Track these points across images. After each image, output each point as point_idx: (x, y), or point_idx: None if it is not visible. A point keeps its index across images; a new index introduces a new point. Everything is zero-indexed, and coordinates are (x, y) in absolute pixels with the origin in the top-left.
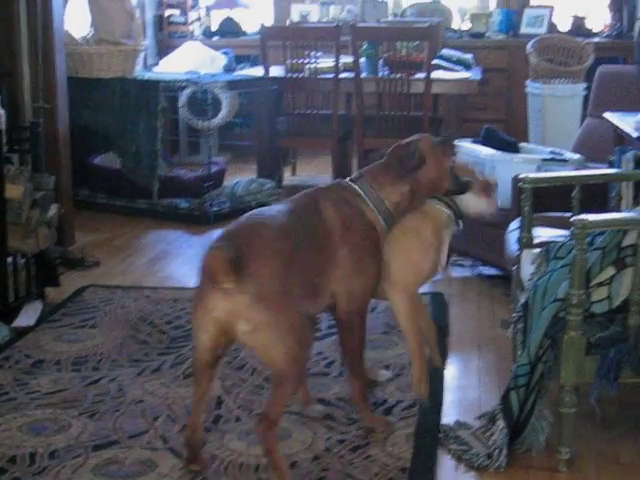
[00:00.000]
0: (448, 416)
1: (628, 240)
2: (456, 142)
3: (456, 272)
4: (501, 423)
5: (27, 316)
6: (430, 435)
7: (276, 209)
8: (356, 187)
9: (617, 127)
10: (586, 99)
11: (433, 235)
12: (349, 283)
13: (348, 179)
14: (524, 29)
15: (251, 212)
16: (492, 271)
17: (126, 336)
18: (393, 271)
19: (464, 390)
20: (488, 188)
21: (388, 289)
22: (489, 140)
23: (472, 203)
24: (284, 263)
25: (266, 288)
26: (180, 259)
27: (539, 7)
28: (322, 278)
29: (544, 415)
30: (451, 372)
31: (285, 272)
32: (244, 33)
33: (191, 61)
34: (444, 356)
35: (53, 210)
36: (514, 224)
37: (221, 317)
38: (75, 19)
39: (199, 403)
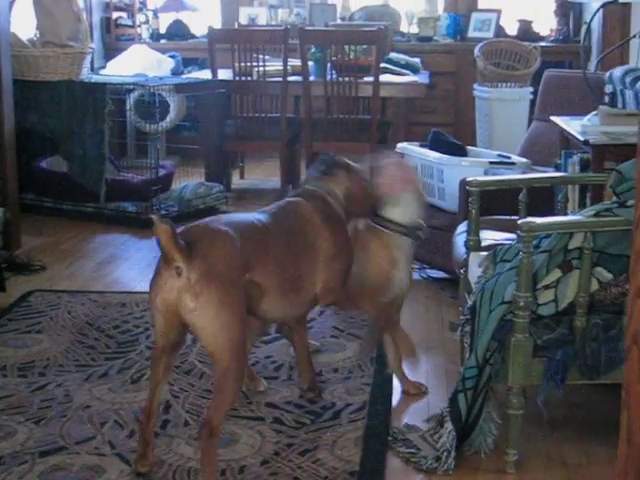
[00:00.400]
0: (397, 419)
1: (574, 243)
2: (399, 147)
3: None
4: (449, 426)
5: None
6: (379, 438)
7: (250, 214)
8: (313, 186)
9: (564, 130)
10: (533, 103)
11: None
12: (330, 269)
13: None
14: (472, 33)
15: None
16: (440, 274)
17: (73, 341)
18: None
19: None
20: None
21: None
22: (437, 144)
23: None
24: (241, 254)
25: (216, 269)
26: (128, 263)
27: (487, 11)
28: (304, 270)
29: (492, 417)
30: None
31: (238, 263)
32: (192, 36)
33: (138, 64)
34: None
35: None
36: (461, 227)
37: (171, 295)
38: (21, 21)
39: (155, 392)
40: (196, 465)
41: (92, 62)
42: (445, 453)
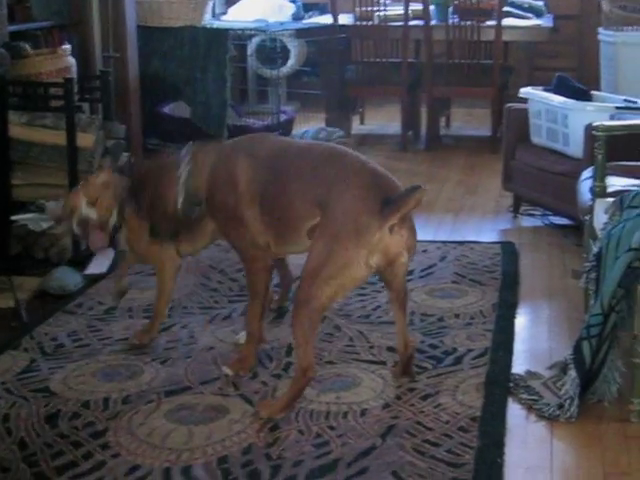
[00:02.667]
0: (518, 366)
1: None
2: (522, 92)
3: (526, 222)
4: (573, 373)
5: (99, 264)
6: (500, 384)
7: None
8: None
9: None
10: None
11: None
12: None
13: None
14: None
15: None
16: (563, 221)
17: (197, 284)
18: None
19: (535, 340)
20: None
21: None
22: (561, 88)
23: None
24: None
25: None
26: None
27: None
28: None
29: (616, 365)
30: (521, 322)
31: None
32: None
33: (259, 9)
34: (515, 305)
35: (124, 158)
36: (586, 173)
37: (390, 252)
38: None
39: None
40: (318, 407)
41: (213, 8)
42: (568, 401)
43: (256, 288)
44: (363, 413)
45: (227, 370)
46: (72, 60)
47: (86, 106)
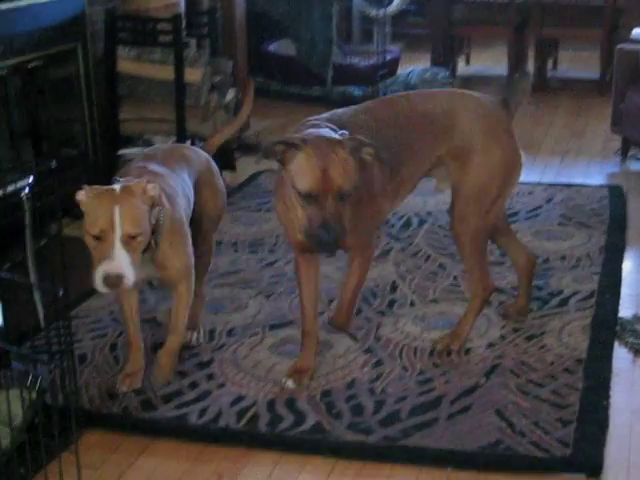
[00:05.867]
0: (625, 309)
1: None
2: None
3: (635, 165)
4: None
5: None
6: (607, 327)
7: None
8: None
9: None
10: None
11: None
12: None
13: None
14: None
15: None
16: None
17: None
18: None
19: None
20: None
21: None
22: None
23: None
24: None
25: None
26: None
27: None
28: None
29: None
30: (629, 265)
31: None
32: None
33: None
34: (623, 249)
35: (230, 94)
36: None
37: None
38: None
39: None
40: (422, 344)
41: None
42: None
43: (364, 276)
44: (467, 352)
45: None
46: None
47: (193, 42)
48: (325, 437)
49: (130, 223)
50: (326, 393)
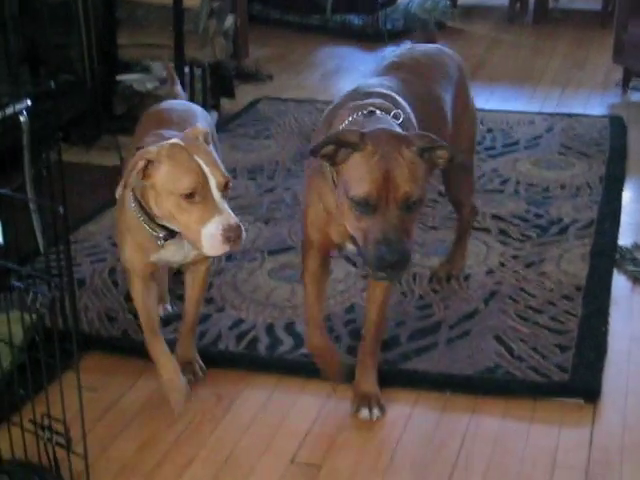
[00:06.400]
0: (625, 238)
1: None
2: None
3: (636, 96)
4: None
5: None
6: (606, 255)
7: None
8: None
9: None
10: None
11: None
12: None
13: None
14: None
15: None
16: None
17: (301, 147)
18: None
19: None
20: None
21: None
22: None
23: None
24: None
25: None
26: (353, 75)
27: None
28: None
29: None
30: (629, 195)
31: None
32: None
33: None
34: (622, 178)
35: (229, 21)
36: None
37: None
38: None
39: None
40: (422, 271)
41: None
42: None
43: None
44: (466, 278)
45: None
46: None
47: None
48: None
49: (218, 168)
50: (325, 317)
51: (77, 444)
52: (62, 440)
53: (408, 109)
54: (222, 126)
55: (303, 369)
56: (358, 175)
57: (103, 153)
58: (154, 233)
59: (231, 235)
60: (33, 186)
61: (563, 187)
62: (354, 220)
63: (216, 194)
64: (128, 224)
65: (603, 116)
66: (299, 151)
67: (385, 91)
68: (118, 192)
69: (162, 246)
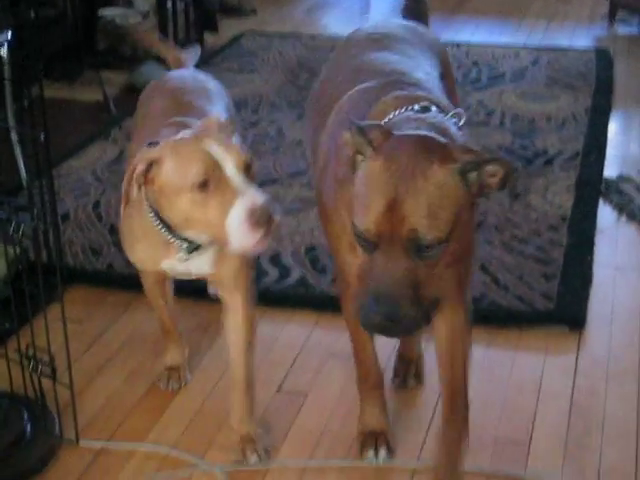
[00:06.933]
0: (611, 170)
1: None
2: None
3: (622, 29)
4: None
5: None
6: (592, 187)
7: None
8: None
9: None
10: None
11: None
12: None
13: None
14: None
15: None
16: None
17: (284, 81)
18: None
19: (628, 145)
20: None
21: None
22: None
23: None
24: None
25: None
26: (337, 10)
27: None
28: None
29: None
30: (614, 127)
31: None
32: None
33: None
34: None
35: None
36: None
37: None
38: None
39: None
40: None
41: None
42: None
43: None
44: None
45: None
46: None
47: None
48: (310, 291)
49: (233, 147)
50: (310, 249)
51: (62, 375)
52: (48, 370)
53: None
54: (205, 61)
55: (289, 300)
56: (360, 196)
57: (86, 89)
58: (179, 244)
59: (260, 218)
60: (15, 120)
61: (549, 119)
62: (359, 250)
63: (235, 176)
64: (144, 230)
65: (589, 49)
66: (283, 85)
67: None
68: (122, 210)
69: (186, 259)
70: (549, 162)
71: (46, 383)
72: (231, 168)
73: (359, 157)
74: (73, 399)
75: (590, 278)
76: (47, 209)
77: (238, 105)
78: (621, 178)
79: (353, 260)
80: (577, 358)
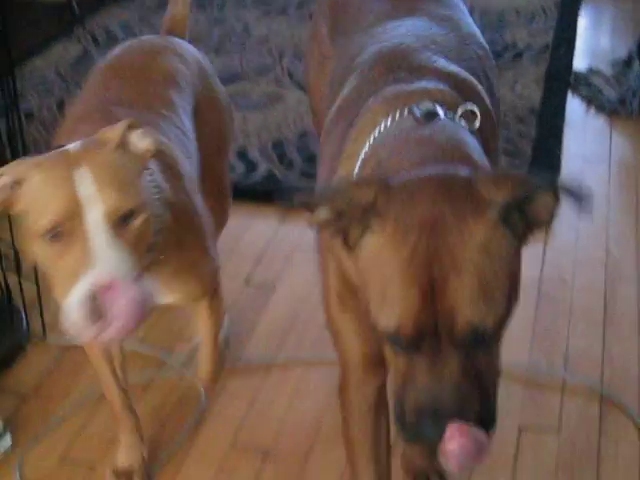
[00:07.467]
0: (580, 63)
1: None
2: None
3: None
4: (637, 66)
5: None
6: (561, 80)
7: None
8: None
9: None
10: None
11: None
12: None
13: None
14: None
15: None
16: None
17: None
18: None
19: (597, 38)
20: None
21: None
22: None
23: None
24: None
25: None
26: None
27: None
28: None
29: None
30: (584, 21)
31: None
32: None
33: None
34: (578, 4)
35: None
36: None
37: None
38: None
39: None
40: None
41: None
42: (630, 94)
43: None
44: None
45: None
46: None
47: None
48: (277, 186)
49: (113, 191)
50: (278, 144)
51: (29, 273)
52: (12, 265)
53: (480, 88)
54: None
55: (256, 194)
56: (375, 284)
57: None
58: None
59: (98, 306)
60: None
61: (518, 12)
62: (389, 350)
63: (96, 231)
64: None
65: None
66: None
67: (445, 66)
68: None
69: None
70: (518, 55)
71: (12, 278)
72: (95, 219)
73: (355, 226)
74: (39, 294)
75: (559, 169)
76: (11, 107)
77: (203, 2)
78: (590, 71)
79: (349, 326)
80: (544, 248)
